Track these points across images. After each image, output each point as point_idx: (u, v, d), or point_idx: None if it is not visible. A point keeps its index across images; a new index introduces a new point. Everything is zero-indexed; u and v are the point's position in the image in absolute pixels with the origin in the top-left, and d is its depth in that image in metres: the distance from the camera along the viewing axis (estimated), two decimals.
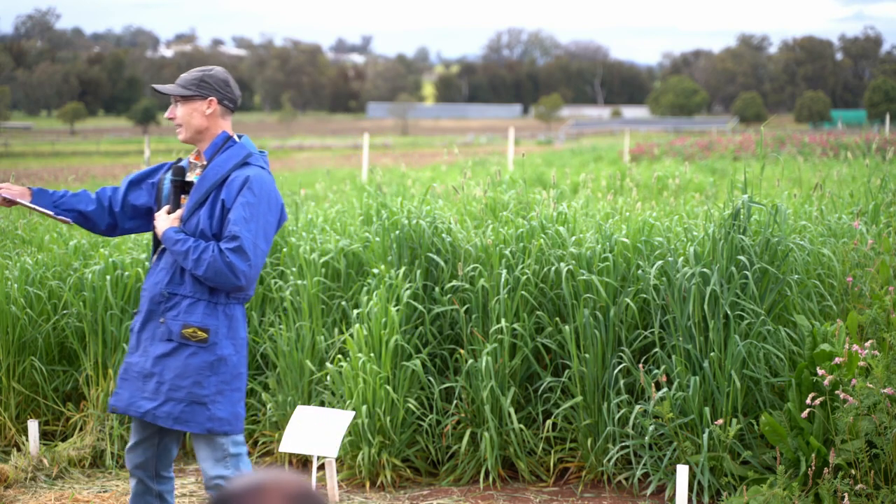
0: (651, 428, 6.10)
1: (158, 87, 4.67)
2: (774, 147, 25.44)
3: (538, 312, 6.60)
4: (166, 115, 4.67)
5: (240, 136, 4.68)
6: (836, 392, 5.59)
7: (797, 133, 31.80)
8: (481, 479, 6.38)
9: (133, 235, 7.89)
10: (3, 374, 7.07)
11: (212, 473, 4.50)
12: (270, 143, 67.22)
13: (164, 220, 4.56)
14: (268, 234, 4.52)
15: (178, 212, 4.57)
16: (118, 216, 4.77)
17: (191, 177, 4.65)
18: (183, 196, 4.62)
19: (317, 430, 5.73)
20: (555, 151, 42.65)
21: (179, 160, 4.77)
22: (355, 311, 6.77)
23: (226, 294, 4.52)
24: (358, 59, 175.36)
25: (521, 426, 6.45)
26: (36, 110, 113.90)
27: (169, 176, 4.70)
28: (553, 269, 6.61)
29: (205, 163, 4.61)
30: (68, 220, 4.70)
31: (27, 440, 6.76)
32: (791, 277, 6.31)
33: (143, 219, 4.81)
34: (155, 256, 4.66)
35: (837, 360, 5.63)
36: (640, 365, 6.24)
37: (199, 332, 4.46)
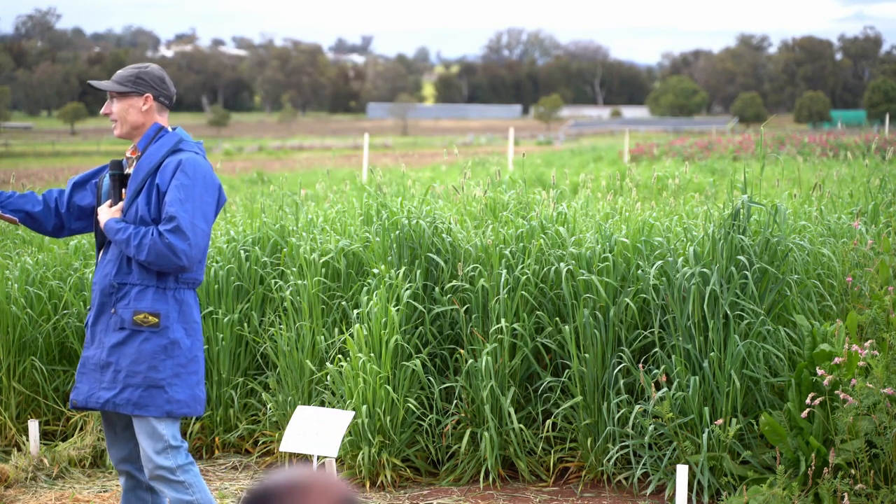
0: (651, 428, 6.11)
1: (94, 83, 4.74)
2: (774, 147, 25.45)
3: (538, 312, 6.60)
4: (102, 111, 4.76)
5: (174, 128, 4.77)
6: (836, 392, 5.59)
7: (797, 133, 31.80)
8: (481, 479, 6.38)
9: None
10: (3, 373, 7.07)
11: (157, 463, 4.58)
12: (271, 143, 67.22)
13: (106, 213, 4.66)
14: (206, 214, 4.59)
15: (120, 204, 4.67)
16: (64, 217, 4.87)
17: (129, 170, 4.75)
18: (123, 189, 4.72)
19: (317, 430, 5.73)
20: (554, 152, 42.66)
21: (120, 158, 4.86)
22: (355, 311, 6.77)
23: (174, 279, 4.61)
24: (358, 59, 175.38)
25: (521, 426, 6.45)
26: (36, 110, 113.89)
27: (108, 173, 4.80)
28: (553, 269, 6.62)
29: (139, 154, 4.71)
30: (15, 219, 4.79)
31: (27, 440, 6.76)
32: (791, 277, 6.31)
33: (89, 219, 4.91)
34: (101, 251, 4.75)
35: (837, 360, 5.63)
36: (640, 365, 6.25)
37: (150, 317, 4.56)
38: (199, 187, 4.58)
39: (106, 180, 4.80)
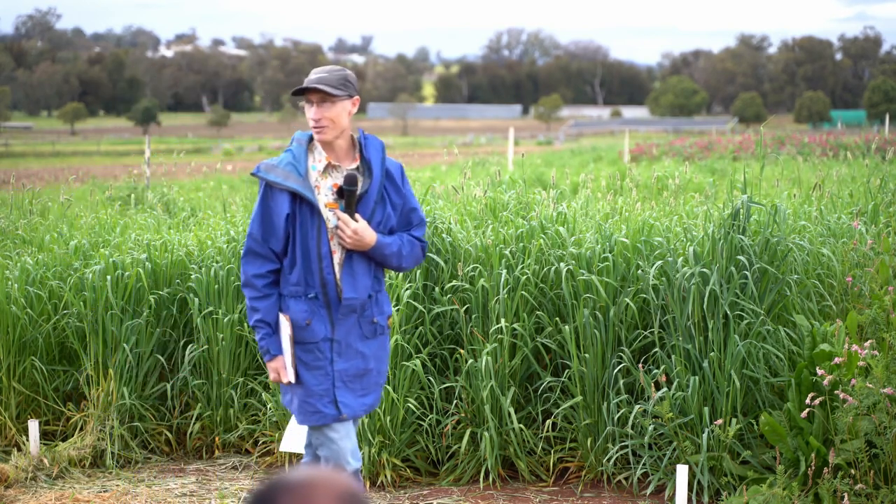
0: (651, 428, 6.11)
1: (314, 84, 4.54)
2: (774, 147, 25.44)
3: (538, 312, 6.61)
4: (312, 116, 4.58)
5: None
6: (836, 392, 5.60)
7: (797, 133, 31.80)
8: (481, 479, 6.38)
9: (133, 235, 7.91)
10: (3, 373, 7.07)
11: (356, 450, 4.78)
12: (271, 143, 67.21)
13: (369, 230, 4.59)
14: None
15: (361, 218, 4.60)
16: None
17: (339, 178, 4.66)
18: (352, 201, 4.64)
19: None
20: (554, 152, 42.66)
21: (334, 166, 4.65)
22: None
23: None
24: (358, 59, 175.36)
25: (521, 426, 6.45)
26: (36, 110, 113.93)
27: (322, 182, 4.64)
28: (553, 269, 6.62)
29: (358, 163, 4.65)
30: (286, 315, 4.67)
31: (27, 440, 6.76)
32: (790, 277, 6.31)
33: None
34: (336, 263, 4.62)
35: (837, 360, 5.63)
36: (640, 365, 6.25)
37: (390, 319, 4.81)
38: None
39: (298, 193, 4.57)
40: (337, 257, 4.62)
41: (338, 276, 4.61)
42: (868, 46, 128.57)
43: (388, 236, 4.66)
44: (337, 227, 4.60)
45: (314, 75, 4.63)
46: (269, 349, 4.62)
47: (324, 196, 4.63)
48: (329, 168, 4.65)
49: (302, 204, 4.58)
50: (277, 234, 4.60)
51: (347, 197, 4.57)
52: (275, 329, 4.65)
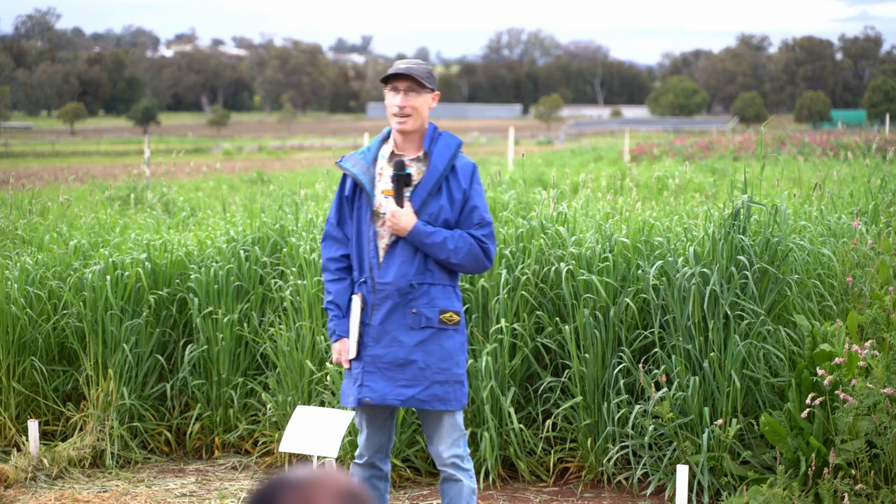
0: (651, 428, 6.11)
1: (405, 71, 4.67)
2: (774, 147, 25.42)
3: (538, 312, 6.60)
4: (398, 103, 4.69)
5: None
6: (836, 392, 5.59)
7: (797, 133, 31.75)
8: (481, 479, 6.38)
9: (133, 235, 7.91)
10: (3, 374, 7.07)
11: (449, 454, 4.75)
12: (270, 143, 67.22)
13: (408, 216, 4.64)
14: None
15: (408, 205, 4.66)
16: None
17: (410, 170, 4.72)
18: (404, 188, 4.70)
19: (317, 430, 5.73)
20: (555, 151, 42.63)
21: (398, 156, 4.76)
22: None
23: (458, 277, 4.78)
24: (358, 59, 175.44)
25: (521, 426, 6.45)
26: (36, 110, 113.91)
27: (386, 170, 4.75)
28: (553, 269, 6.62)
29: (420, 154, 4.73)
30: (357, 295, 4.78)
31: (27, 440, 6.76)
32: (791, 277, 6.31)
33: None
34: (382, 250, 4.70)
35: (837, 360, 5.63)
36: (640, 365, 6.24)
37: (454, 316, 4.72)
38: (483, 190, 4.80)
39: (360, 175, 4.74)
40: (383, 242, 4.71)
41: (380, 260, 4.70)
42: (868, 46, 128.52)
43: (435, 227, 4.64)
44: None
45: (403, 64, 4.75)
46: (336, 331, 4.80)
47: (383, 183, 4.75)
48: (393, 156, 4.76)
49: (361, 189, 4.74)
50: (347, 219, 4.81)
51: (395, 182, 4.67)
52: (345, 312, 4.79)
